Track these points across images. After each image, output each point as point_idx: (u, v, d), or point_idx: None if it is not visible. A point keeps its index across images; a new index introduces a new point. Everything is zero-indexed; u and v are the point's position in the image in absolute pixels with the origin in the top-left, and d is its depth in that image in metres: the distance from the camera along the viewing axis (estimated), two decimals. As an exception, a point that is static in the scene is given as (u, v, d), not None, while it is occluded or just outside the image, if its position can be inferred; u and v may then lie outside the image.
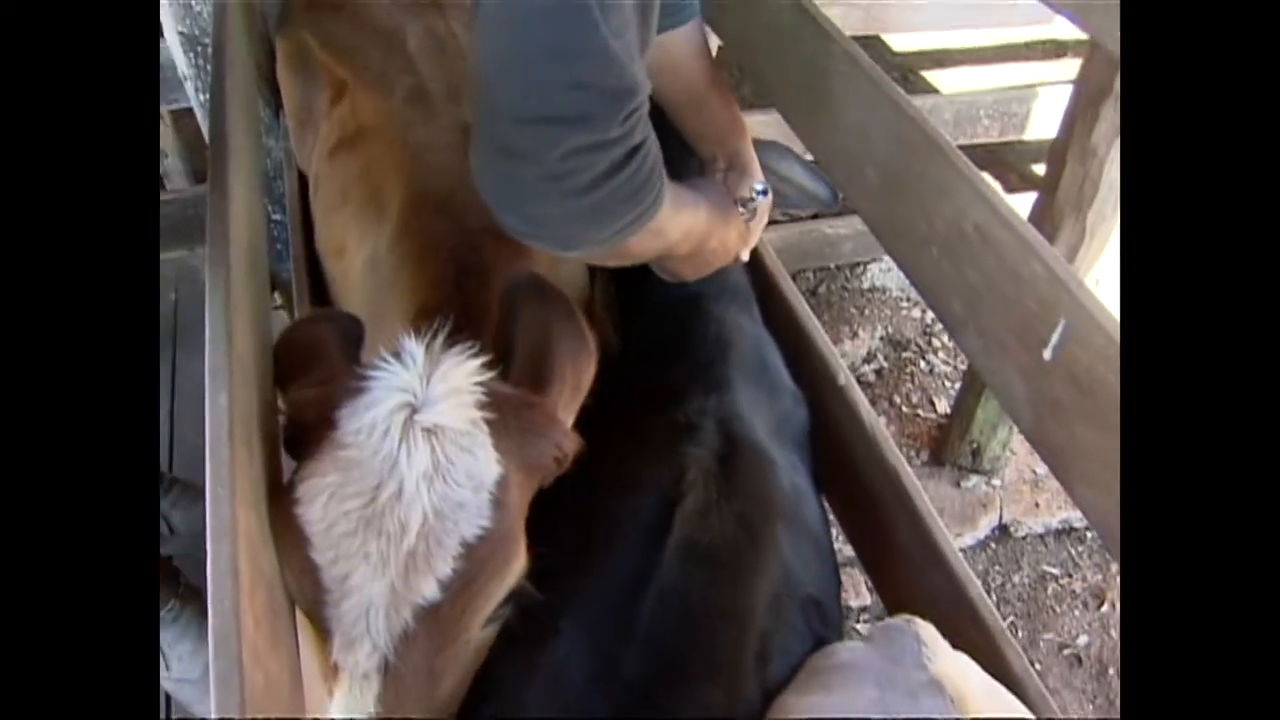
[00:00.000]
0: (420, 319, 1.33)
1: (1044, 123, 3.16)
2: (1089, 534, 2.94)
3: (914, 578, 1.52)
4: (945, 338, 3.37)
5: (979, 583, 1.40)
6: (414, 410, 1.04)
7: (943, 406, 3.16)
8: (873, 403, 1.65)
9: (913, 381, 3.25)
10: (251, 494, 1.01)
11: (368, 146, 1.69)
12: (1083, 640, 2.70)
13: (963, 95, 3.27)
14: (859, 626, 2.62)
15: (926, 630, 1.17)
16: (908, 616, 1.20)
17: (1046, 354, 1.19)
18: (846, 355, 3.26)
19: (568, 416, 1.18)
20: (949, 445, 2.96)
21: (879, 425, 1.59)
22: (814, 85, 1.68)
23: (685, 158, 1.57)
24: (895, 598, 1.64)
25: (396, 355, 1.08)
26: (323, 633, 1.02)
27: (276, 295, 2.61)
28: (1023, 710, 1.16)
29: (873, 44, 4.44)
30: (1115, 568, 2.84)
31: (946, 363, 3.31)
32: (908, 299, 3.50)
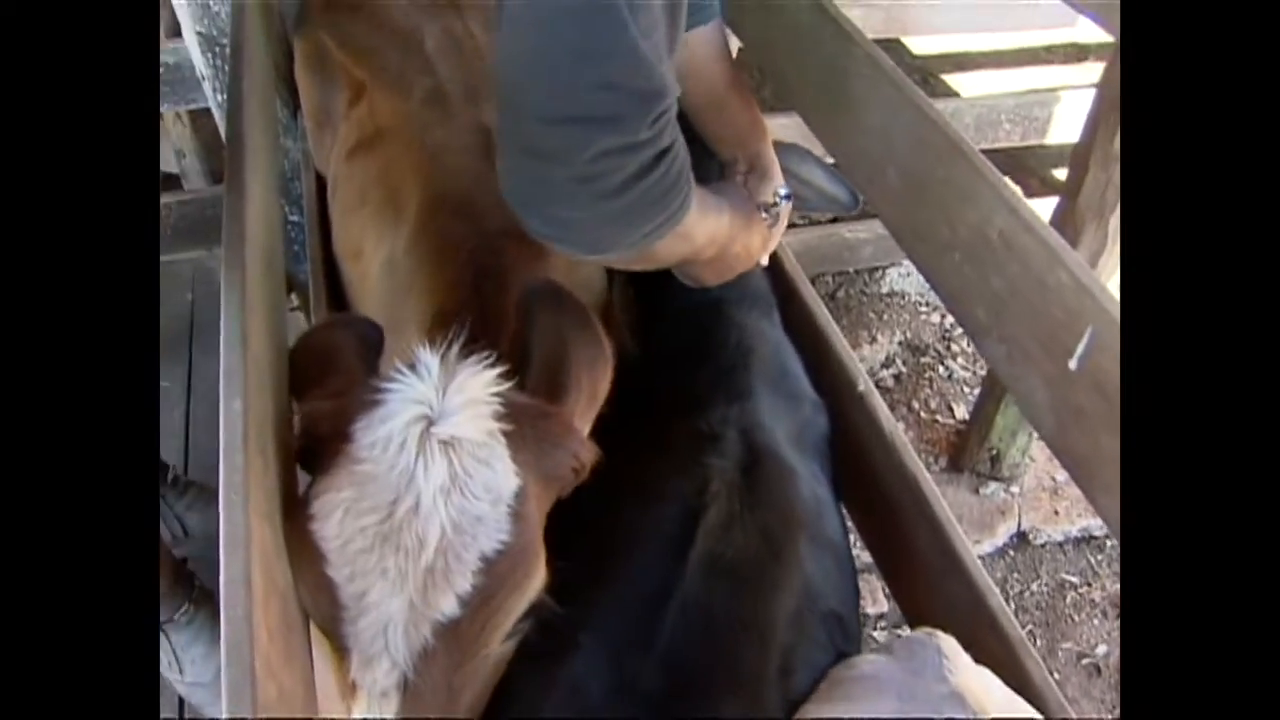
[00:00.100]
0: (438, 322, 1.32)
1: (1065, 127, 3.13)
2: (1109, 542, 2.91)
3: (933, 586, 1.50)
4: (964, 343, 3.35)
5: (999, 592, 1.39)
6: (430, 422, 1.02)
7: (961, 412, 3.13)
8: (891, 408, 1.63)
9: (931, 387, 3.23)
10: (266, 503, 1.00)
11: (385, 148, 1.68)
12: (1101, 650, 2.68)
13: (983, 99, 3.24)
14: (876, 634, 2.60)
15: (948, 643, 1.16)
16: (929, 630, 1.19)
17: (1072, 363, 1.18)
18: (865, 360, 3.24)
19: (585, 425, 1.17)
20: (968, 451, 2.93)
21: (898, 432, 1.58)
22: (835, 87, 1.67)
23: (706, 161, 1.56)
24: (914, 606, 1.62)
25: (411, 366, 1.06)
26: (340, 650, 1.01)
27: (293, 297, 2.61)
28: (1044, 724, 1.15)
29: (892, 46, 4.41)
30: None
31: (965, 368, 3.28)
32: (927, 304, 3.47)
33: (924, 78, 4.46)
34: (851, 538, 1.52)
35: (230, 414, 1.00)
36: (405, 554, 0.98)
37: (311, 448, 1.07)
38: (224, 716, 0.79)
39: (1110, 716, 2.56)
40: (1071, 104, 3.11)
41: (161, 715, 2.09)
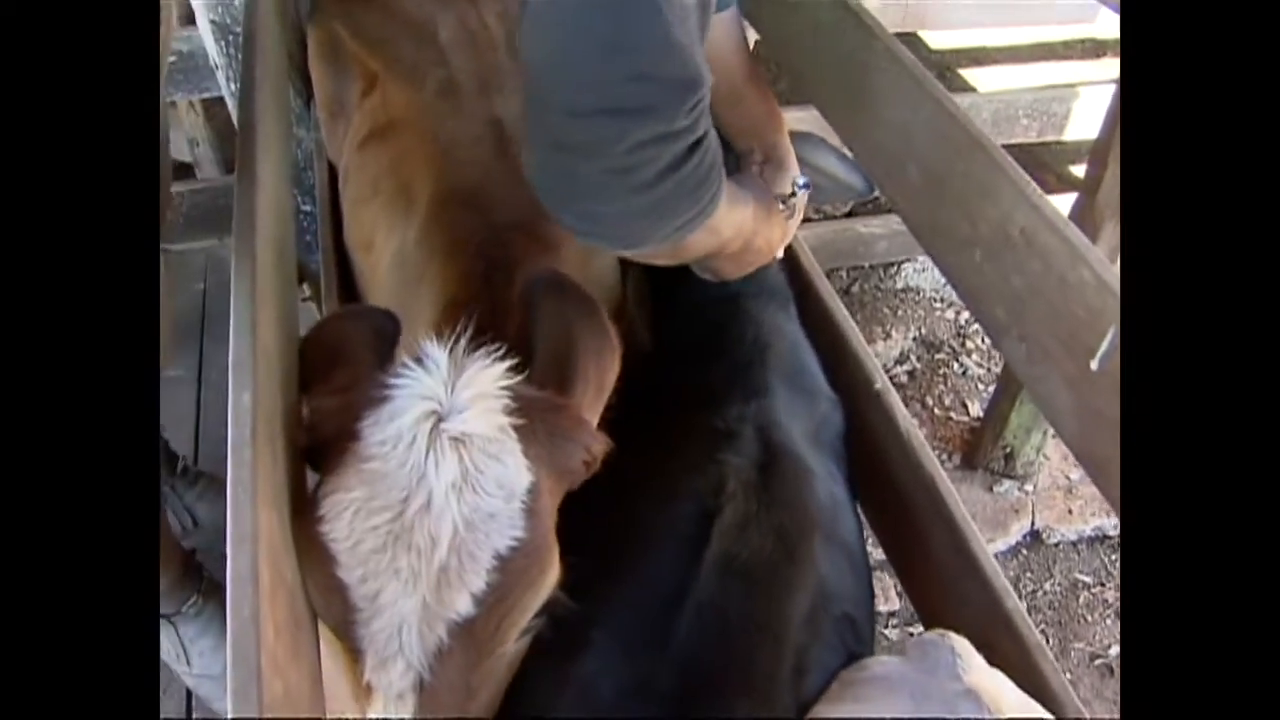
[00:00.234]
0: (448, 315, 1.31)
1: (1083, 123, 3.11)
2: (1123, 542, 2.89)
3: (948, 587, 1.49)
4: (979, 339, 3.33)
5: (1015, 594, 1.37)
6: (440, 418, 1.01)
7: (975, 409, 3.11)
8: (904, 404, 1.62)
9: (945, 384, 3.21)
10: (274, 496, 0.98)
11: (398, 139, 1.67)
12: (1115, 650, 2.66)
13: (1001, 94, 3.22)
14: (888, 632, 2.59)
15: (961, 644, 1.16)
16: (942, 631, 1.18)
17: (1094, 364, 1.16)
18: (879, 356, 3.22)
19: (593, 417, 1.15)
20: (981, 449, 2.92)
21: (915, 431, 1.56)
22: (854, 81, 1.65)
23: (723, 152, 1.55)
24: (928, 606, 1.61)
25: (419, 361, 1.05)
26: (353, 652, 0.99)
27: (305, 287, 2.60)
28: (1058, 728, 1.14)
29: (910, 41, 4.39)
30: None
31: (980, 365, 3.26)
32: (941, 300, 3.45)
33: (941, 73, 4.44)
34: (865, 535, 1.51)
35: (239, 407, 0.98)
36: (418, 553, 0.97)
37: (318, 446, 1.06)
38: (229, 717, 0.78)
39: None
40: (1089, 100, 3.08)
41: (169, 707, 2.09)
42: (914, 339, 3.34)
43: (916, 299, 3.46)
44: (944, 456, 3.00)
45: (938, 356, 3.30)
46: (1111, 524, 2.87)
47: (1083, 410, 1.21)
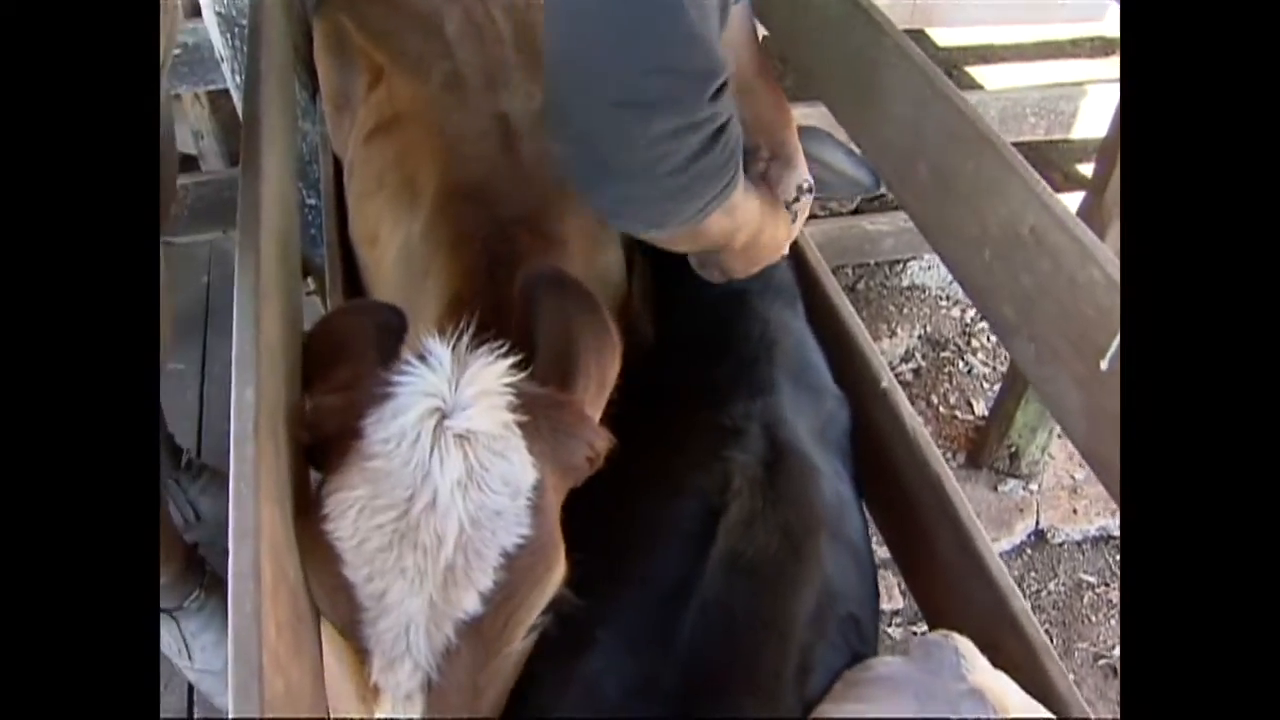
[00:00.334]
0: (452, 310, 1.31)
1: (1090, 121, 3.10)
2: (1128, 543, 2.88)
3: (954, 587, 1.48)
4: (984, 338, 3.32)
5: (1021, 595, 1.37)
6: (444, 416, 1.00)
7: (980, 408, 3.10)
8: (909, 402, 1.62)
9: (951, 382, 3.20)
10: (277, 492, 0.98)
11: (403, 133, 1.67)
12: (1118, 651, 2.65)
13: (1008, 92, 3.21)
14: (891, 630, 2.58)
15: (966, 645, 1.16)
16: (946, 631, 1.18)
17: (1104, 364, 1.15)
18: (884, 354, 3.20)
19: (595, 413, 1.15)
20: (986, 448, 2.91)
21: (921, 429, 1.55)
22: (863, 78, 1.64)
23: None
24: (933, 606, 1.60)
25: (422, 358, 1.04)
26: (360, 652, 0.98)
27: (310, 281, 2.60)
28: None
29: (917, 38, 4.37)
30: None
31: (985, 363, 3.25)
32: (947, 298, 3.44)
33: (948, 70, 4.42)
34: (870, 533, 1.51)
35: (242, 402, 0.98)
36: (424, 552, 0.96)
37: (320, 444, 1.05)
38: (230, 716, 0.77)
39: None
40: (1097, 98, 3.07)
41: (170, 702, 2.09)
42: (919, 337, 3.33)
43: (922, 297, 3.45)
44: (948, 455, 2.99)
45: (943, 354, 3.29)
46: (1116, 524, 2.86)
47: (1092, 410, 1.21)
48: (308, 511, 1.01)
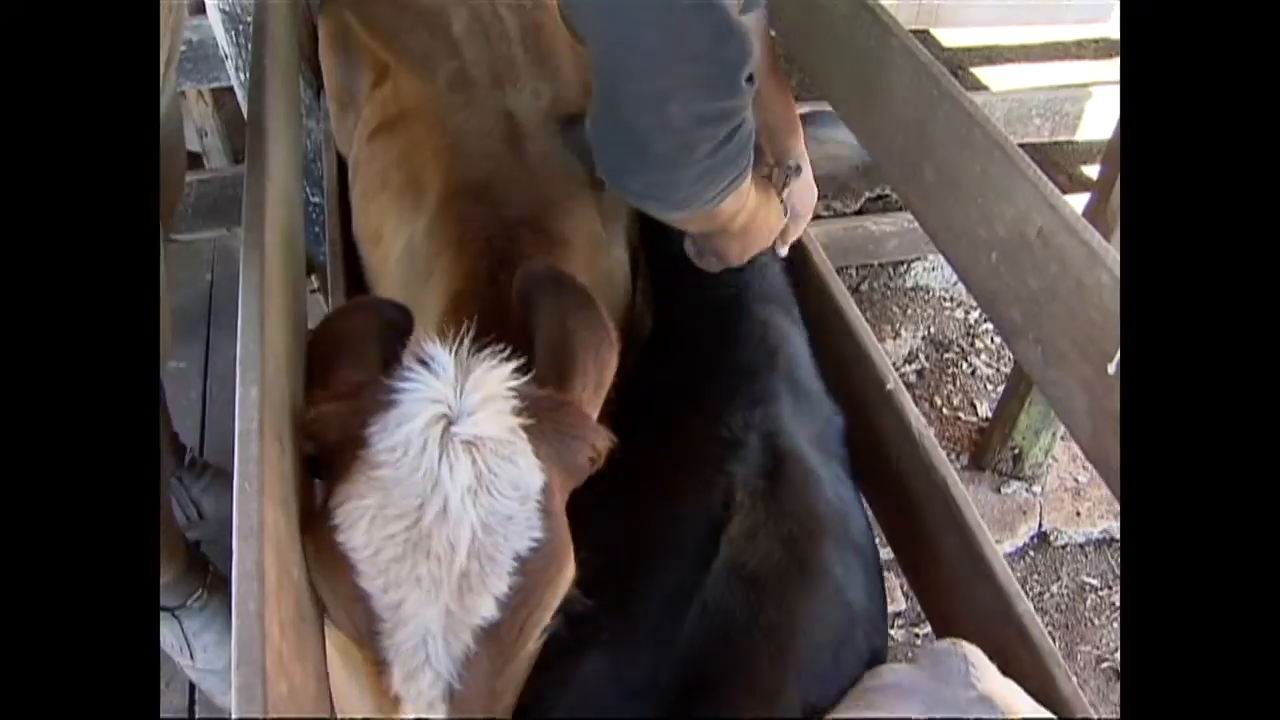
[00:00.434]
0: (455, 309, 1.31)
1: (1095, 123, 3.11)
2: (1131, 546, 2.87)
3: (959, 590, 1.47)
4: (988, 339, 3.32)
5: (1027, 599, 1.36)
6: (450, 422, 0.99)
7: (984, 410, 3.10)
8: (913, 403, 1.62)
9: (954, 383, 3.19)
10: (281, 492, 0.97)
11: (408, 131, 1.66)
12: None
13: (1013, 93, 3.21)
14: (894, 632, 2.58)
15: (974, 652, 1.16)
16: (954, 639, 1.18)
17: (1111, 367, 1.14)
18: (888, 355, 3.20)
19: (593, 411, 1.15)
20: (990, 450, 2.91)
21: (927, 431, 1.55)
22: (870, 79, 1.64)
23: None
24: (939, 609, 1.60)
25: (424, 363, 1.03)
26: (378, 664, 0.97)
27: (314, 279, 2.60)
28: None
29: (922, 39, 4.37)
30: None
31: (989, 365, 3.25)
32: (951, 299, 3.44)
33: (953, 71, 4.41)
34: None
35: (246, 401, 0.97)
36: (438, 560, 0.95)
37: (321, 453, 1.05)
38: (234, 717, 0.77)
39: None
40: (1102, 100, 3.08)
41: (172, 701, 2.08)
42: (923, 338, 3.33)
43: (926, 298, 3.45)
44: (952, 456, 2.98)
45: (947, 356, 3.28)
46: (1119, 526, 2.86)
47: (1098, 414, 1.20)
48: (318, 522, 1.00)
